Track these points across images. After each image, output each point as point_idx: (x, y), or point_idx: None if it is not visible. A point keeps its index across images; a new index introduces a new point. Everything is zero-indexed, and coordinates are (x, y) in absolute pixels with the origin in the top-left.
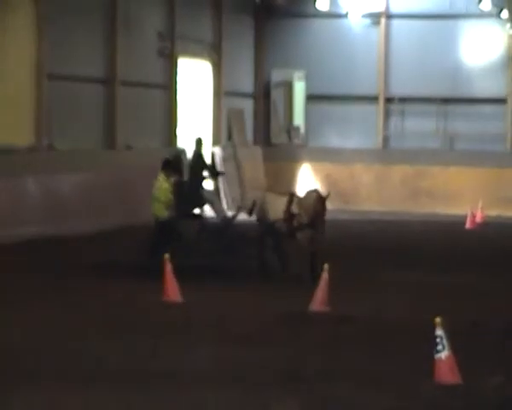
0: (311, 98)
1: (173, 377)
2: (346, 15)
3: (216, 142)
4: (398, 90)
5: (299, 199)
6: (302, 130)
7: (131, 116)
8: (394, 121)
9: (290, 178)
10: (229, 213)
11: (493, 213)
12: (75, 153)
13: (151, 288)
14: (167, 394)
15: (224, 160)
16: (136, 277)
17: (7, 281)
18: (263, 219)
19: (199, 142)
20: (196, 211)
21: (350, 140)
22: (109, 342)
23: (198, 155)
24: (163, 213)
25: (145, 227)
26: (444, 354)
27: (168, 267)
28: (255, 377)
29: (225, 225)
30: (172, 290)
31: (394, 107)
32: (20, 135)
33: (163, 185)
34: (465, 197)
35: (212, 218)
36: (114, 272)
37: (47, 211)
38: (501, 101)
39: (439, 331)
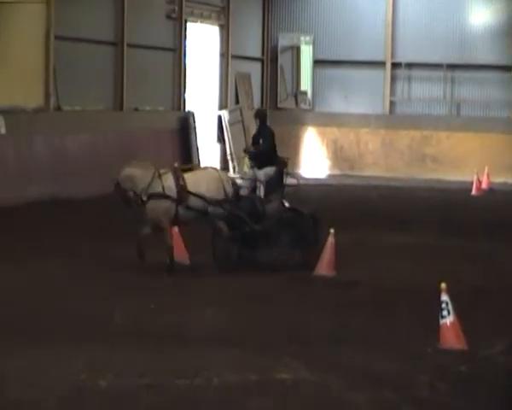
0: (318, 63)
1: (176, 338)
2: None
3: (223, 105)
4: (404, 55)
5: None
6: (309, 94)
7: (139, 79)
8: (401, 87)
9: (297, 143)
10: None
11: (499, 179)
12: (83, 114)
13: (157, 249)
14: (170, 353)
15: (231, 123)
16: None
17: (11, 241)
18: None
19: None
20: None
21: (356, 105)
22: (113, 302)
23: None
24: None
25: None
26: (449, 319)
27: (175, 229)
28: (259, 339)
29: None
30: (180, 252)
31: (401, 72)
32: (29, 96)
33: None
34: (471, 163)
35: None
36: (119, 234)
37: (54, 172)
38: (507, 68)
39: (445, 297)
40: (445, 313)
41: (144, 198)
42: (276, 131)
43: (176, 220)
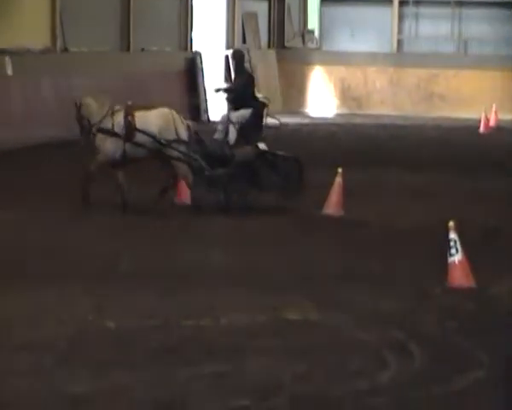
0: (325, 1)
1: (184, 279)
2: None
3: (230, 45)
4: None
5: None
6: (316, 33)
7: (146, 19)
8: (408, 24)
9: (304, 82)
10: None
11: (507, 117)
12: (89, 55)
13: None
14: (177, 294)
15: None
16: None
17: (8, 182)
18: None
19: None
20: None
21: (364, 43)
22: (121, 244)
23: None
24: None
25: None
26: (457, 257)
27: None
28: (268, 279)
29: None
30: (185, 192)
31: (408, 10)
32: (36, 37)
33: None
34: (479, 101)
35: None
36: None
37: (61, 113)
38: None
39: (453, 235)
40: (453, 251)
41: (94, 132)
42: (283, 70)
43: (124, 158)
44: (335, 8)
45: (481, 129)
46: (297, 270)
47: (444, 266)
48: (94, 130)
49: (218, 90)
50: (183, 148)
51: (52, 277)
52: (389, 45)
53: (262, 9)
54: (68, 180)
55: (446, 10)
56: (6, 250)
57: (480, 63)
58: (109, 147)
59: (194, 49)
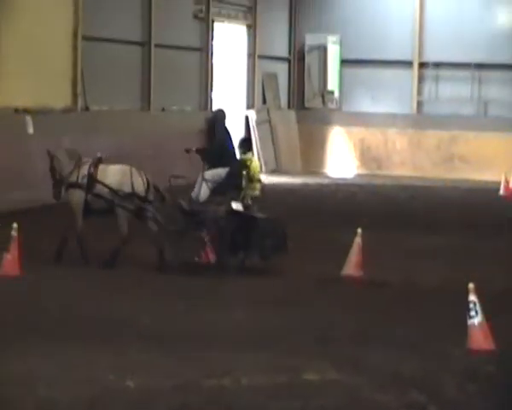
0: (345, 62)
1: (203, 339)
2: None
3: (250, 105)
4: (432, 55)
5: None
6: (336, 94)
7: (167, 79)
8: (428, 86)
9: (324, 143)
10: None
11: None
12: (110, 114)
13: (185, 248)
14: (197, 354)
15: (258, 123)
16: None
17: (35, 242)
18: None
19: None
20: None
21: (384, 105)
22: (138, 303)
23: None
24: None
25: (186, 189)
26: (477, 319)
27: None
28: (287, 340)
29: None
30: (206, 252)
31: (428, 72)
32: (57, 96)
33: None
34: (499, 164)
35: None
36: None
37: None
38: None
39: (472, 297)
40: (472, 313)
41: (64, 188)
42: (303, 131)
43: (87, 209)
44: (355, 70)
45: (501, 191)
46: (315, 331)
47: (463, 328)
48: (63, 187)
49: (188, 151)
50: (137, 202)
51: (70, 336)
52: (409, 107)
53: (282, 70)
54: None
55: (466, 73)
56: (23, 309)
57: (500, 125)
58: (74, 198)
59: (213, 109)
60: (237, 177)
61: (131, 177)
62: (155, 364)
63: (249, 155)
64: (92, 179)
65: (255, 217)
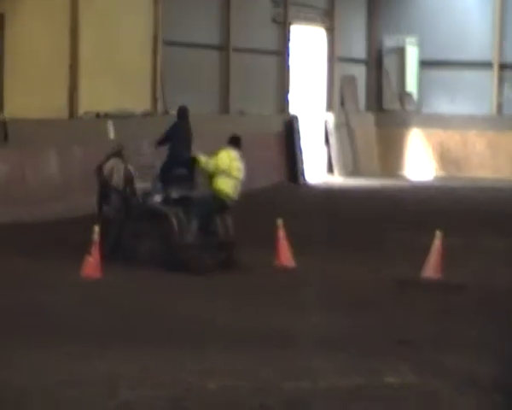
0: (423, 64)
1: (281, 340)
2: None
3: (329, 108)
4: None
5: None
6: (415, 96)
7: (245, 82)
8: (508, 88)
9: (402, 145)
10: None
11: None
12: (190, 117)
13: (263, 252)
14: (276, 356)
15: (337, 126)
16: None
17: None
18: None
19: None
20: None
21: (463, 106)
22: (217, 304)
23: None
24: None
25: (262, 192)
26: None
27: (281, 234)
28: (365, 341)
29: None
30: (285, 255)
31: (509, 73)
32: (137, 101)
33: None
34: None
35: None
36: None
37: None
38: None
39: None
40: None
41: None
42: (381, 134)
43: None
44: (434, 71)
45: None
46: (395, 333)
47: None
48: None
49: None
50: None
51: (149, 338)
52: (489, 108)
53: (360, 72)
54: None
55: None
56: (105, 311)
57: None
58: None
59: (292, 113)
60: (170, 168)
61: (113, 170)
62: (234, 365)
63: (230, 151)
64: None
65: (197, 198)
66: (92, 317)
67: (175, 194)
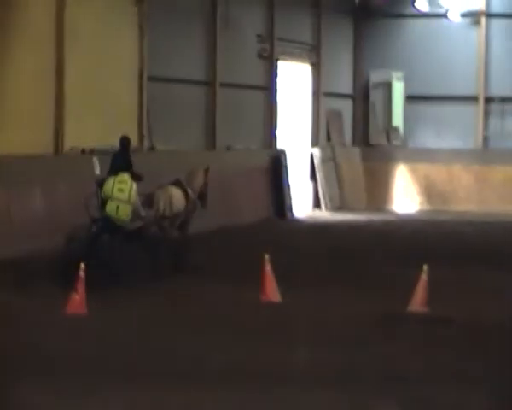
0: (409, 99)
1: (269, 378)
2: (444, 15)
3: (315, 143)
4: (497, 89)
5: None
6: (401, 130)
7: (231, 118)
8: (494, 121)
9: (389, 179)
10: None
11: None
12: (176, 154)
13: (249, 288)
14: (263, 393)
15: (323, 161)
16: (233, 277)
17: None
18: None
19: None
20: None
21: (448, 140)
22: (204, 341)
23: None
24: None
25: (249, 227)
26: None
27: (267, 268)
28: (351, 377)
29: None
30: (271, 290)
31: (494, 107)
32: None
33: (134, 186)
34: None
35: None
36: (212, 273)
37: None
38: None
39: None
40: None
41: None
42: (367, 168)
43: None
44: (420, 106)
45: None
46: (381, 367)
47: None
48: None
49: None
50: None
51: (136, 375)
52: (474, 142)
53: (346, 107)
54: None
55: None
56: (91, 348)
57: None
58: None
59: (278, 148)
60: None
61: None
62: (221, 404)
63: (120, 175)
64: None
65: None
66: (79, 355)
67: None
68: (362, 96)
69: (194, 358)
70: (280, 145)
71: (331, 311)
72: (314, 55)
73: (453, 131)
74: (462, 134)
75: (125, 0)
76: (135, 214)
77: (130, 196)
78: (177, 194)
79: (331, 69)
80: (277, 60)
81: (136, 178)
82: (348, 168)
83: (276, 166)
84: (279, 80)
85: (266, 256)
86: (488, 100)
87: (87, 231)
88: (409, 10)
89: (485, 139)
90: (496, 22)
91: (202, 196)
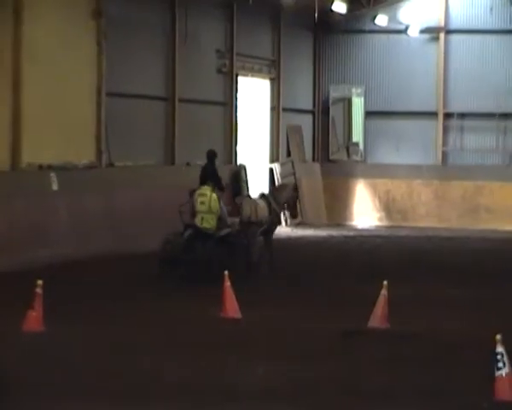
0: (369, 114)
1: (228, 394)
2: (404, 31)
3: (274, 158)
4: (456, 105)
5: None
6: (361, 146)
7: (191, 133)
8: (453, 137)
9: (349, 195)
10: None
11: None
12: (135, 170)
13: (209, 304)
14: (221, 407)
15: (283, 176)
16: (195, 293)
17: (71, 298)
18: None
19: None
20: None
21: (408, 156)
22: (165, 357)
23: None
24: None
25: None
26: (504, 371)
27: (227, 283)
28: (310, 392)
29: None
30: (231, 307)
31: (453, 122)
32: (81, 152)
33: (214, 196)
34: None
35: None
36: (173, 289)
37: (108, 228)
38: None
39: (500, 348)
40: (500, 364)
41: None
42: (327, 183)
43: None
44: (380, 121)
45: None
46: (340, 383)
47: (491, 380)
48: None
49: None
50: None
51: (94, 393)
52: (434, 158)
53: (306, 122)
54: (128, 292)
55: (491, 123)
56: (48, 365)
57: None
58: None
59: (238, 162)
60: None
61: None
62: None
63: (201, 189)
64: None
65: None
66: (37, 373)
67: None
68: (322, 111)
69: (153, 373)
70: (241, 161)
71: (290, 327)
72: (274, 70)
73: (413, 146)
74: (422, 150)
75: (82, 16)
76: (222, 223)
77: (210, 206)
78: (261, 203)
79: (291, 84)
80: (237, 75)
81: (220, 189)
82: (308, 184)
83: (237, 181)
84: (239, 95)
85: (226, 273)
86: (447, 116)
87: (180, 236)
88: (369, 26)
89: (445, 155)
90: (455, 38)
91: (290, 209)
